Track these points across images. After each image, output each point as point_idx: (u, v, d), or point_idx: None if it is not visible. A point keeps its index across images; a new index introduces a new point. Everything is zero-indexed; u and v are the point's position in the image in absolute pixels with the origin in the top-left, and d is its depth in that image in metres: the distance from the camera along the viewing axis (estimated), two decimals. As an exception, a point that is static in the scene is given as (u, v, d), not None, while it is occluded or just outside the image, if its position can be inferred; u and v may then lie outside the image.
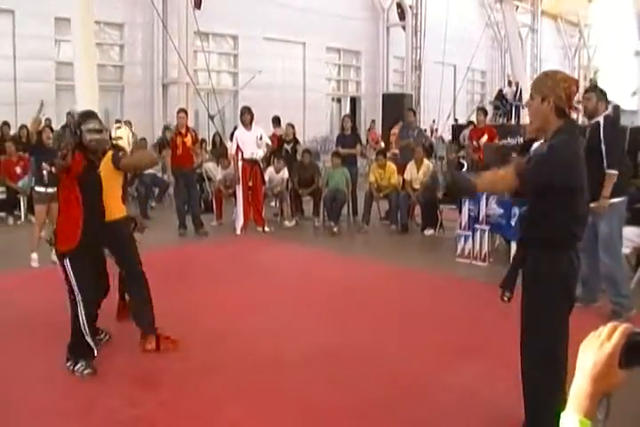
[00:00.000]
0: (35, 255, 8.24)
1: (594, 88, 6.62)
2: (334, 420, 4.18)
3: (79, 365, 4.81)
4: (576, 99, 3.57)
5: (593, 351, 1.26)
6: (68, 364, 4.86)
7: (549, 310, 3.45)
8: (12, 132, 13.44)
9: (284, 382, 4.73)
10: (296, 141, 13.02)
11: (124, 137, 6.88)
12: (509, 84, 24.68)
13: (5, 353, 5.28)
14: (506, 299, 3.59)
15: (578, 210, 3.47)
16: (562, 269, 3.44)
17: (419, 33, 25.58)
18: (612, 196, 5.95)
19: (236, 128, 12.41)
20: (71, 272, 4.76)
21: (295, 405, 4.36)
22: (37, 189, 8.46)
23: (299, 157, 12.41)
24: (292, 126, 13.09)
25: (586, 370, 1.25)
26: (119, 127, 7.49)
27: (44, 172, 8.33)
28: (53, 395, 4.54)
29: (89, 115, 5.07)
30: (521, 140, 11.16)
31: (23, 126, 13.39)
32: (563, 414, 1.27)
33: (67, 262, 4.76)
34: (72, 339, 4.88)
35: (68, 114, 14.85)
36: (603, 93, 6.26)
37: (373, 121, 22.06)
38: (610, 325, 1.28)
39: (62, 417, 4.18)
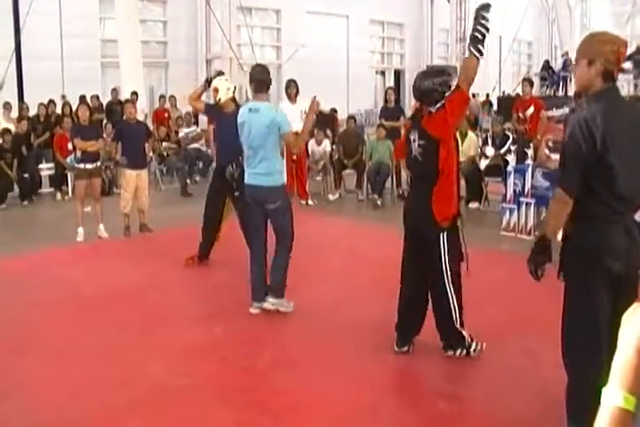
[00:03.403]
0: (81, 230, 8.39)
1: None
2: (379, 388, 4.20)
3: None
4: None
5: (638, 322, 1.20)
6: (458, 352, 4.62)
7: (579, 285, 3.19)
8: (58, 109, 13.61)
9: (329, 353, 4.75)
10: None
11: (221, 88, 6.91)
12: (563, 56, 24.08)
13: (58, 326, 5.40)
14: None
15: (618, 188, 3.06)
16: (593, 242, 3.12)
17: (463, 4, 25.12)
18: None
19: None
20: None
21: (340, 374, 4.38)
22: (77, 165, 8.61)
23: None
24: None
25: (631, 342, 1.19)
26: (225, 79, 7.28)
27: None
28: (107, 365, 4.61)
29: None
30: (567, 111, 10.91)
31: (66, 104, 13.57)
32: (604, 390, 1.21)
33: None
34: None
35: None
36: None
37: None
38: None
39: (113, 387, 4.28)
